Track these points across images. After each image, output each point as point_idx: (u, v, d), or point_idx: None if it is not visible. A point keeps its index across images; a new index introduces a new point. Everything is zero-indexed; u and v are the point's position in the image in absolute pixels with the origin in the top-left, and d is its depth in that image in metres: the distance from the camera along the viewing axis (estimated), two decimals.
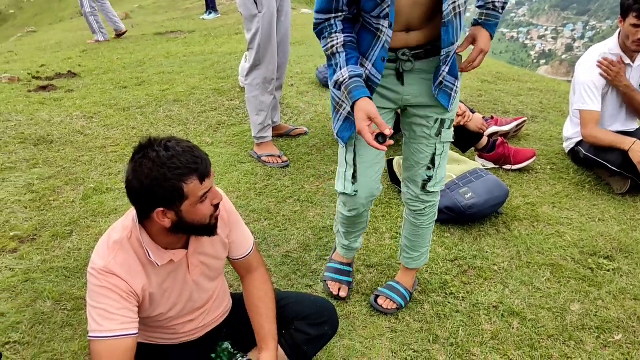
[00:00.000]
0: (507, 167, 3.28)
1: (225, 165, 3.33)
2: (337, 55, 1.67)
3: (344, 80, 1.65)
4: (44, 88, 4.76)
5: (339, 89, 1.70)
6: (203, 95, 4.47)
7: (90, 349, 1.40)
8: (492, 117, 3.61)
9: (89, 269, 1.44)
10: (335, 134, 1.87)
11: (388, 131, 1.57)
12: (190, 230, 1.47)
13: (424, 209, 2.01)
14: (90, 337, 1.40)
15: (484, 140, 3.29)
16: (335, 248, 2.32)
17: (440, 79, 1.73)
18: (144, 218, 1.44)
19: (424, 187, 1.95)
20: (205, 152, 1.41)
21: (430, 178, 1.92)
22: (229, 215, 1.66)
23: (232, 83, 4.69)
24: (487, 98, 4.45)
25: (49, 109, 4.21)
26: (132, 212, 1.50)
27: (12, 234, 2.64)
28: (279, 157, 3.34)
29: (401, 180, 2.08)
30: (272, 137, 3.42)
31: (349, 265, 2.30)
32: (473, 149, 3.35)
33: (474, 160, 3.35)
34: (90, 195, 3.03)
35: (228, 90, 4.56)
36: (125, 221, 1.51)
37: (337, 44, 1.66)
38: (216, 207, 1.47)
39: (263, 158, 3.34)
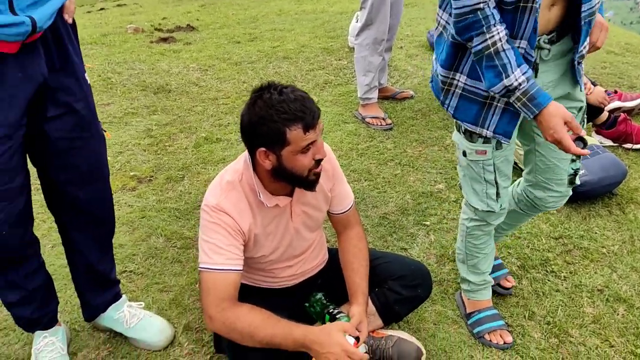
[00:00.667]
0: (628, 145, 3.03)
1: (329, 124, 3.37)
2: (503, 54, 1.35)
3: (521, 83, 1.36)
4: (164, 40, 5.04)
5: (508, 94, 1.39)
6: (312, 53, 4.50)
7: (200, 279, 1.52)
8: (615, 92, 3.32)
9: (202, 206, 1.54)
10: (489, 133, 1.55)
11: (584, 133, 1.44)
12: (289, 178, 1.51)
13: (560, 202, 1.84)
14: (200, 267, 1.51)
15: (604, 115, 3.06)
16: (463, 301, 1.98)
17: (578, 56, 1.51)
18: (252, 158, 1.51)
19: (571, 182, 1.75)
20: (317, 107, 1.43)
21: (576, 170, 1.73)
22: (334, 169, 1.70)
23: (341, 42, 4.68)
24: (611, 71, 4.09)
25: (168, 60, 4.46)
26: (244, 155, 1.58)
27: (131, 173, 2.87)
28: (383, 119, 3.32)
29: (525, 187, 1.84)
30: (378, 99, 3.40)
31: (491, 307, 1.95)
32: (590, 124, 3.13)
33: (591, 135, 3.13)
34: (201, 143, 3.20)
35: (337, 49, 4.56)
36: (236, 165, 1.59)
37: (501, 39, 1.34)
38: (317, 162, 1.50)
39: (367, 119, 3.33)
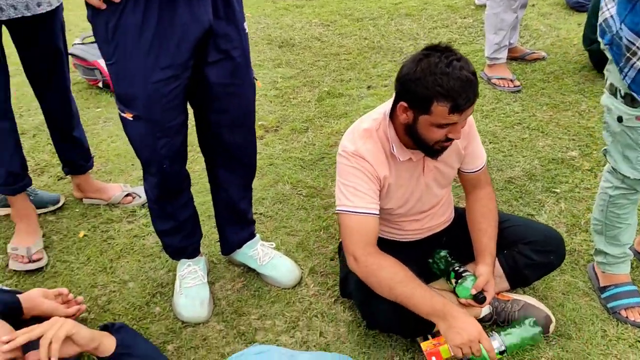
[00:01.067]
0: None
1: None
2: None
3: None
4: None
5: None
6: (435, 11, 4.37)
7: (341, 221, 1.58)
8: None
9: (339, 152, 1.59)
10: (628, 84, 1.47)
11: None
12: (416, 140, 1.51)
13: None
14: (340, 209, 1.56)
15: None
16: (596, 273, 1.90)
17: None
18: (393, 110, 1.52)
19: None
20: (477, 93, 1.40)
21: None
22: (470, 127, 1.67)
23: (466, 0, 4.49)
24: None
25: (291, 15, 4.54)
26: (382, 107, 1.60)
27: (259, 123, 3.00)
28: (511, 80, 3.18)
29: None
30: (506, 59, 3.25)
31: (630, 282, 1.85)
32: None
33: None
34: (324, 97, 3.27)
35: (462, 7, 4.38)
36: (374, 114, 1.61)
37: None
38: (448, 140, 1.48)
39: (493, 80, 3.21)
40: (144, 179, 1.71)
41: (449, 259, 1.81)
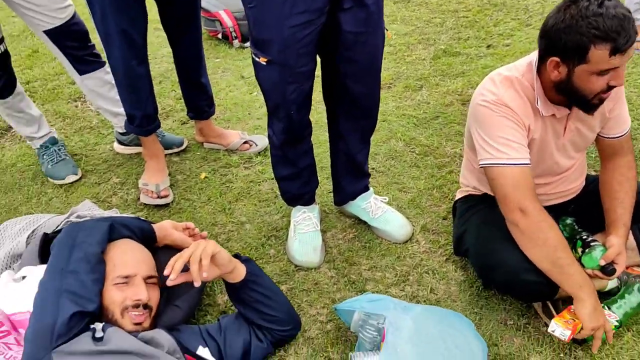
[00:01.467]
0: None
1: None
2: None
3: None
4: None
5: None
6: None
7: (494, 175, 1.49)
8: None
9: (478, 102, 1.51)
10: None
11: None
12: (571, 96, 1.42)
13: None
14: (492, 163, 1.48)
15: None
16: None
17: None
18: (540, 63, 1.44)
19: None
20: (636, 31, 1.29)
21: None
22: (618, 88, 1.54)
23: None
24: None
25: None
26: (528, 58, 1.51)
27: None
28: None
29: None
30: None
31: None
32: None
33: None
34: (439, 55, 3.16)
35: None
36: (517, 64, 1.53)
37: None
38: (610, 88, 1.37)
39: None
40: (270, 124, 1.76)
41: (576, 227, 1.72)
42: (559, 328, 1.43)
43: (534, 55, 1.48)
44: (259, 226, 2.08)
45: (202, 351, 1.44)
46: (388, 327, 1.45)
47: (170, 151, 2.50)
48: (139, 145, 2.38)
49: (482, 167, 1.53)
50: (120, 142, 2.54)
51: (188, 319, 1.65)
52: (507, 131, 1.47)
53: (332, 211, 2.13)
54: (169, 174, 2.34)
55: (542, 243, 1.44)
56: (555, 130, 1.54)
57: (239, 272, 1.47)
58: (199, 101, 2.39)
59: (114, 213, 2.00)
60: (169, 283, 1.35)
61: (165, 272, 1.36)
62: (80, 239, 1.45)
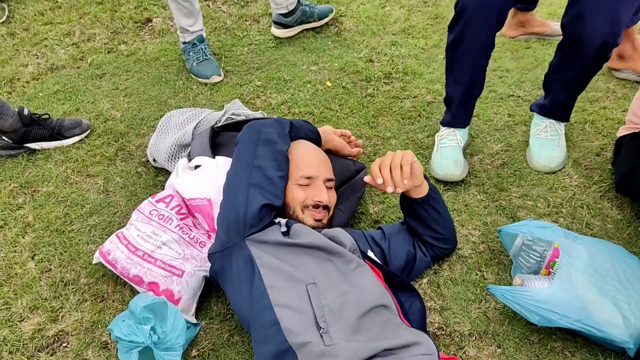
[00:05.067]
0: None
1: None
2: None
3: None
4: None
5: None
6: None
7: None
8: None
9: None
10: None
11: None
12: None
13: None
14: None
15: None
16: None
17: None
18: None
19: None
20: None
21: None
22: None
23: None
24: None
25: None
26: None
27: None
28: None
29: None
30: None
31: None
32: None
33: None
34: None
35: None
36: None
37: None
38: None
39: None
40: None
41: None
42: None
43: None
44: (405, 142, 2.08)
45: (371, 254, 1.50)
46: (561, 254, 1.45)
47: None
48: (304, 22, 2.56)
49: None
50: (281, 24, 2.61)
51: (347, 223, 1.71)
52: None
53: (478, 135, 2.10)
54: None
55: None
56: None
57: (424, 187, 1.49)
58: None
59: (260, 115, 2.05)
60: (388, 190, 1.35)
61: (366, 179, 1.40)
62: (265, 136, 1.49)
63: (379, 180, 1.35)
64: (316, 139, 1.68)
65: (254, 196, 1.37)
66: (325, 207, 1.48)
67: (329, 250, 1.32)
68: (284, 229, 1.38)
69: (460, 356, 1.43)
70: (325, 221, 1.49)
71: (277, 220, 1.41)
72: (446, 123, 1.96)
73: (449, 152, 1.92)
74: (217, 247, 1.38)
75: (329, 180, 1.52)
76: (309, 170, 1.49)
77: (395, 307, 1.28)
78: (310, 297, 1.20)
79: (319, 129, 1.74)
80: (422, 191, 1.48)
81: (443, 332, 1.49)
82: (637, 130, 1.78)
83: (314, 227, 1.43)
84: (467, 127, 2.00)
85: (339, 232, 1.40)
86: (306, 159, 1.52)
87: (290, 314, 1.18)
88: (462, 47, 1.73)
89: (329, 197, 1.49)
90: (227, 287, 1.37)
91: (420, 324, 1.38)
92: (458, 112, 1.91)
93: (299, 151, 1.53)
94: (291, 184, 1.48)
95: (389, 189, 1.35)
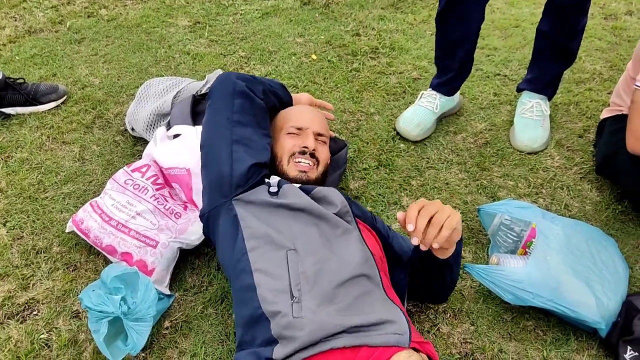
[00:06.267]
0: None
1: None
2: None
3: None
4: None
5: None
6: None
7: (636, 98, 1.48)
8: None
9: None
10: None
11: None
12: None
13: None
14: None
15: None
16: None
17: None
18: None
19: None
20: None
21: None
22: None
23: None
24: None
25: None
26: None
27: None
28: None
29: None
30: None
31: None
32: None
33: None
34: None
35: None
36: None
37: None
38: None
39: None
40: None
41: None
42: None
43: None
44: (389, 119, 2.06)
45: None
46: (538, 234, 1.45)
47: None
48: None
49: (637, 88, 1.45)
50: None
51: None
52: None
53: (462, 114, 2.08)
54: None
55: None
56: None
57: (450, 250, 1.23)
58: None
59: None
60: (413, 241, 1.08)
61: (399, 216, 1.13)
62: (240, 87, 1.41)
63: (410, 227, 1.08)
64: (286, 103, 1.60)
65: (239, 154, 1.33)
66: (313, 155, 1.44)
67: (315, 214, 1.26)
68: (274, 189, 1.33)
69: (434, 333, 1.43)
70: (312, 175, 1.43)
71: (267, 180, 1.37)
72: (432, 85, 2.00)
73: (419, 112, 1.97)
74: (206, 207, 1.35)
75: (321, 135, 1.49)
76: (299, 122, 1.47)
77: (379, 277, 1.24)
78: (289, 263, 1.18)
79: (295, 95, 1.68)
80: (446, 254, 1.23)
81: (418, 309, 1.48)
82: (620, 113, 1.77)
83: (298, 181, 1.40)
84: (454, 97, 2.00)
85: (331, 191, 1.34)
86: (298, 110, 1.51)
87: (267, 280, 1.16)
88: (451, 16, 1.73)
89: (317, 147, 1.45)
90: (217, 246, 1.34)
91: (402, 297, 1.36)
92: (442, 77, 1.93)
93: (292, 109, 1.53)
94: (282, 135, 1.46)
95: (414, 241, 1.08)
